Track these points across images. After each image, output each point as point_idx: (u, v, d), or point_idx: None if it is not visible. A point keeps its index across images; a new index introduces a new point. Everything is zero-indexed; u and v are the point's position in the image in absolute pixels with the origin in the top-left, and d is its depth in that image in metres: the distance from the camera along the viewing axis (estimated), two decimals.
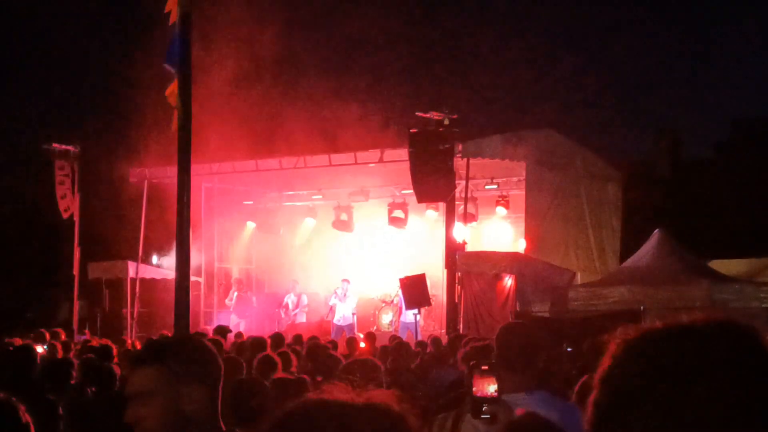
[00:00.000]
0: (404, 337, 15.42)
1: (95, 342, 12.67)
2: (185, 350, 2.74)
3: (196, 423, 2.65)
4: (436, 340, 12.90)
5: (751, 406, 1.12)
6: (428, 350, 11.94)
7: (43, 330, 13.59)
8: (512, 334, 4.14)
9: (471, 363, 3.40)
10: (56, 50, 40.11)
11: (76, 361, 7.37)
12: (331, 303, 20.48)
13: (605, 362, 1.22)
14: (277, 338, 11.99)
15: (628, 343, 1.21)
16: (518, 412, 3.18)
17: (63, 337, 13.27)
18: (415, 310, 16.93)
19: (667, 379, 1.14)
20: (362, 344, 14.10)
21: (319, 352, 8.85)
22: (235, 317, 21.33)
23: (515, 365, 3.92)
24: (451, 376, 7.02)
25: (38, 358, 5.73)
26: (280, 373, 6.46)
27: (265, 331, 15.95)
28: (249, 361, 7.96)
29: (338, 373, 5.12)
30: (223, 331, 13.58)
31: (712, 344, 1.16)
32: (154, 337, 14.40)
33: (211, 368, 2.72)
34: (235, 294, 21.90)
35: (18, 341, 10.71)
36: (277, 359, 7.52)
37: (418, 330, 17.00)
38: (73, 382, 6.53)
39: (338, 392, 1.36)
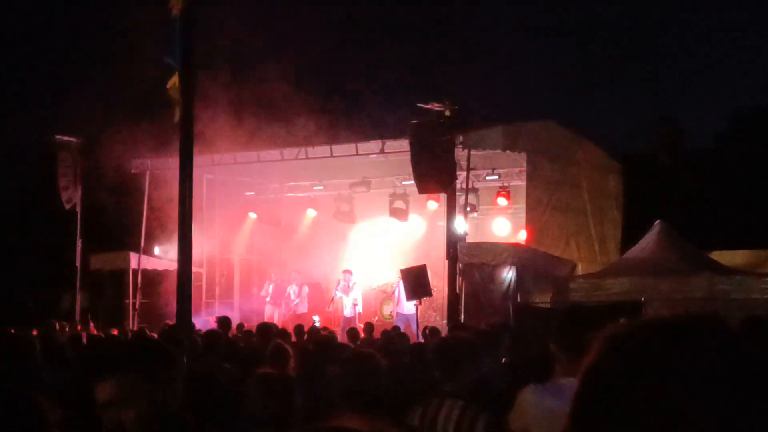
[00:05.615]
0: (402, 328, 15.46)
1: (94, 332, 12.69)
2: (137, 357, 2.80)
3: (167, 421, 2.72)
4: (433, 331, 12.89)
5: (723, 409, 1.10)
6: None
7: (53, 321, 13.67)
8: (574, 320, 4.00)
9: None
10: (58, 41, 40.12)
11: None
12: (336, 296, 20.48)
13: (590, 357, 1.21)
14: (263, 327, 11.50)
15: (611, 339, 1.20)
16: None
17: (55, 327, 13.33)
18: (416, 301, 16.94)
19: (646, 375, 1.13)
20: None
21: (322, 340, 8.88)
22: (270, 307, 21.47)
23: (577, 350, 3.77)
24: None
25: (37, 346, 5.76)
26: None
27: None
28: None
29: (332, 377, 4.91)
30: (225, 322, 13.61)
31: (692, 342, 1.14)
32: (152, 329, 14.47)
33: (166, 369, 2.80)
34: (272, 285, 21.92)
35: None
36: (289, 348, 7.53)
37: (417, 321, 17.01)
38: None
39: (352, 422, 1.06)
